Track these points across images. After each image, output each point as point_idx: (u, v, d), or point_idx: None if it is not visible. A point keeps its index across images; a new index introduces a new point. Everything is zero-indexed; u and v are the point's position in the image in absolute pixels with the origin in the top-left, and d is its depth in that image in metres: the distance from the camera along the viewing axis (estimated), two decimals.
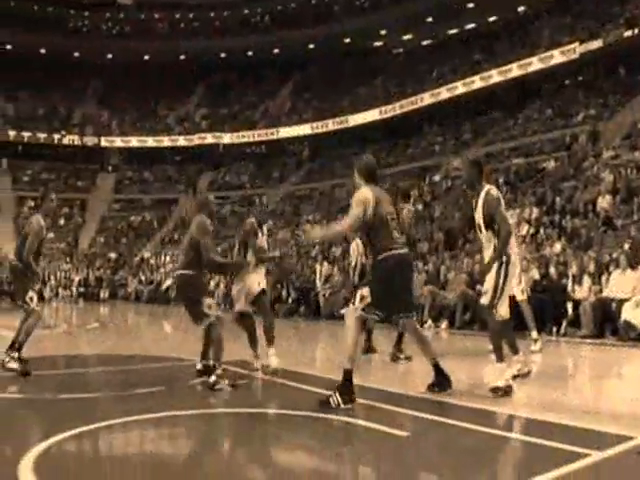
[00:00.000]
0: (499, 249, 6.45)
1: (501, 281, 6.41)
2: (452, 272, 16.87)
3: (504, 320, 6.54)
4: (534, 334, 10.25)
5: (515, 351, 6.75)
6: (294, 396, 6.69)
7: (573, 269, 13.91)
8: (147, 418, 5.60)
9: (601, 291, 13.00)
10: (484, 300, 6.53)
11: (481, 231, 6.65)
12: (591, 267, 13.67)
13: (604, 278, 13.24)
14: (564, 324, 13.06)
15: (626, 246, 14.42)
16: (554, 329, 13.06)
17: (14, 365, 7.61)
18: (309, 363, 6.79)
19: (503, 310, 6.48)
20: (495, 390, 6.30)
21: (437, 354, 6.53)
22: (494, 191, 6.61)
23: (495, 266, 6.43)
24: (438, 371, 6.44)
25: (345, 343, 6.07)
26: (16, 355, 7.69)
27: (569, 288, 13.56)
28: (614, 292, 12.67)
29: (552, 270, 14.32)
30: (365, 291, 6.07)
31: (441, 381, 6.43)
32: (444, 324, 15.19)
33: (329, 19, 46.44)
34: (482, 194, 6.57)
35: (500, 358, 6.52)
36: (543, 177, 24.92)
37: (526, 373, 7.14)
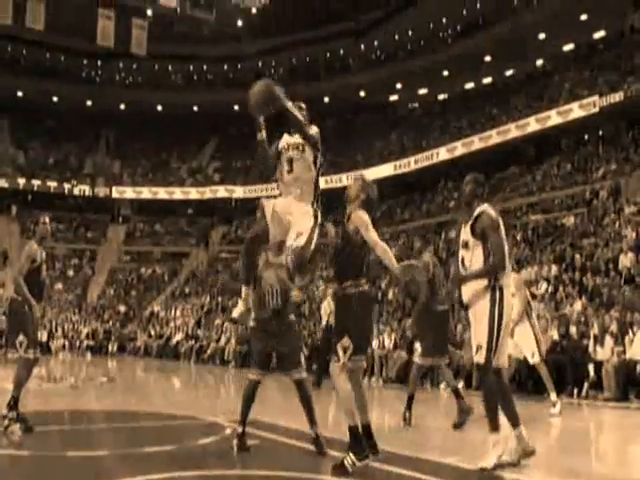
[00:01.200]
0: (486, 268, 5.93)
1: (495, 328, 5.81)
2: (468, 331, 16.75)
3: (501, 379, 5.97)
4: (553, 396, 10.11)
5: (515, 422, 5.98)
6: (308, 459, 6.56)
7: (594, 329, 13.80)
8: (156, 478, 5.54)
9: (624, 352, 12.87)
10: (478, 358, 5.91)
11: (466, 247, 6.09)
12: (613, 327, 13.55)
13: (627, 339, 13.12)
14: (585, 386, 12.91)
15: None
16: (575, 391, 12.92)
17: (15, 428, 7.48)
18: (323, 424, 6.70)
19: (503, 359, 5.97)
20: (483, 470, 5.75)
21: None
22: (493, 211, 6.12)
23: (487, 310, 5.85)
24: (369, 434, 6.05)
25: (339, 401, 5.98)
26: (14, 414, 7.57)
27: (590, 349, 13.43)
28: (638, 353, 12.55)
29: (572, 330, 14.22)
30: (345, 341, 5.83)
31: (364, 447, 5.80)
32: (460, 384, 15.06)
33: (344, 72, 47.01)
34: (477, 210, 6.13)
35: (495, 427, 5.88)
36: (562, 234, 24.88)
37: (530, 453, 6.02)
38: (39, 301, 7.92)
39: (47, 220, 8.31)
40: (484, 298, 5.90)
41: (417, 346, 9.28)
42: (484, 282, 5.93)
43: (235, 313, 5.94)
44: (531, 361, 10.23)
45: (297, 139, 5.89)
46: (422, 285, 8.65)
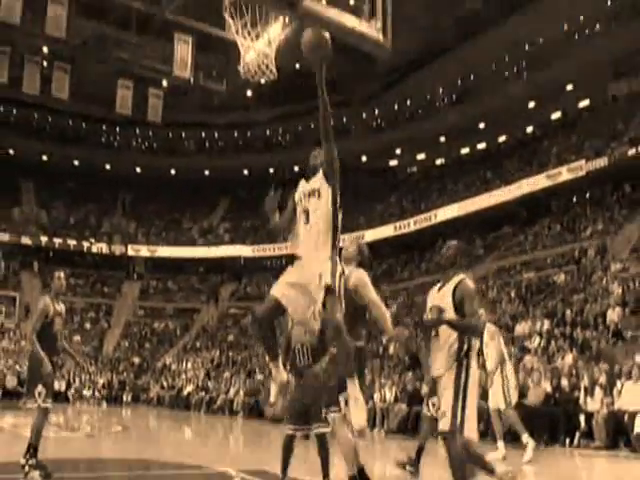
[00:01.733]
0: (465, 323, 5.40)
1: (460, 396, 5.32)
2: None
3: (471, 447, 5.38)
4: (524, 437, 9.97)
5: (491, 472, 5.64)
6: None
7: (585, 381, 13.74)
8: None
9: (613, 403, 12.80)
10: (442, 425, 5.34)
11: (440, 312, 5.55)
12: (602, 379, 13.50)
13: (616, 390, 13.05)
14: (577, 436, 12.82)
15: (637, 358, 14.25)
16: (567, 441, 12.82)
17: (35, 474, 7.40)
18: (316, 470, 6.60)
19: (472, 434, 5.33)
20: None
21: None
22: (470, 282, 5.61)
23: (452, 377, 5.37)
24: (363, 477, 6.03)
25: (342, 450, 5.91)
26: (34, 462, 7.48)
27: (581, 400, 13.36)
28: (626, 404, 12.47)
29: (564, 382, 14.15)
30: (345, 394, 5.61)
31: None
32: None
33: (346, 138, 47.37)
34: (454, 279, 5.64)
35: None
36: (554, 290, 24.88)
37: None
38: (53, 354, 7.89)
39: (62, 275, 8.26)
40: (451, 369, 5.42)
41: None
42: (454, 348, 5.44)
43: (272, 397, 5.86)
44: (501, 407, 10.21)
45: (312, 184, 5.28)
46: None
